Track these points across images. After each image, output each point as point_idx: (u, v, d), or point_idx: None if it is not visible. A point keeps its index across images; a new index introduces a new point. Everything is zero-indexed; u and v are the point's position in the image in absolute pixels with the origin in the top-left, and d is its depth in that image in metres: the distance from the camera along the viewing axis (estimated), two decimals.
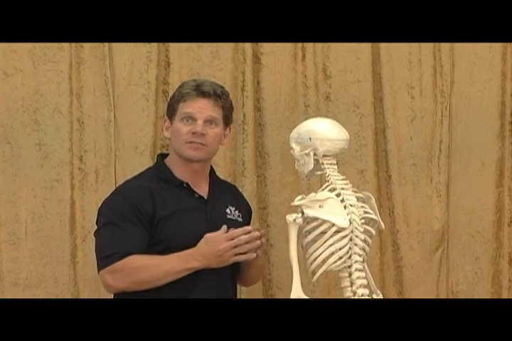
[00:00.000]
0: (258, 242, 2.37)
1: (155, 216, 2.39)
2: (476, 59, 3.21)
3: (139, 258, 2.34)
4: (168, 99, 2.59)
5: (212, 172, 2.59)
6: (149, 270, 2.34)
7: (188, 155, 2.45)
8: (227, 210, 2.53)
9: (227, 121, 2.53)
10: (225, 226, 2.38)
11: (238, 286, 2.67)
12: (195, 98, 2.46)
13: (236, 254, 2.35)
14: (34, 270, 2.91)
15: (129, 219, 2.37)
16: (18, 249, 2.90)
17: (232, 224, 2.46)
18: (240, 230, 2.36)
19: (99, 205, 2.50)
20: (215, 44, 3.01)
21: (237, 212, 2.55)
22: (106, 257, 2.35)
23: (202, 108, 2.45)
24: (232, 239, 2.34)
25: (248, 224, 2.58)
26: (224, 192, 2.58)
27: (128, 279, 2.34)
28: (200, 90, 2.46)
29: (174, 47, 3.00)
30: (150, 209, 2.39)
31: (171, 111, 2.50)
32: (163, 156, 2.56)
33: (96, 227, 2.47)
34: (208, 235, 2.37)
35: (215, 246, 2.34)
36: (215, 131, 2.48)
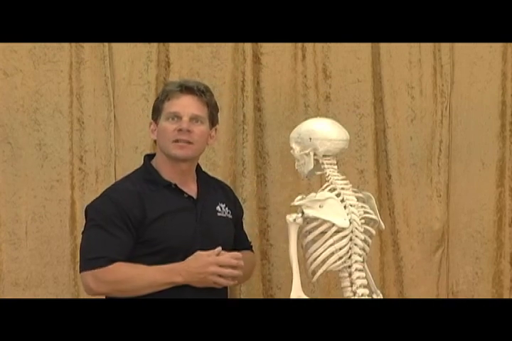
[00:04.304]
0: (239, 272, 2.38)
1: (144, 219, 2.38)
2: (476, 59, 3.21)
3: (124, 267, 2.34)
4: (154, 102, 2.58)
5: (198, 170, 2.57)
6: (133, 280, 2.34)
7: (175, 154, 2.44)
8: (218, 207, 2.53)
9: (213, 120, 2.52)
10: (219, 248, 2.37)
11: (238, 286, 2.66)
12: (179, 95, 2.46)
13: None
14: (34, 270, 2.91)
15: (116, 223, 2.36)
16: (18, 248, 2.90)
17: (222, 221, 2.49)
18: (230, 255, 2.38)
19: (87, 205, 2.48)
20: (215, 44, 3.01)
21: (227, 208, 2.55)
22: (90, 259, 2.35)
23: (186, 105, 2.45)
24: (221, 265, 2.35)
25: (237, 220, 2.60)
26: (214, 189, 2.57)
27: (110, 286, 2.35)
28: (183, 86, 2.46)
29: (174, 47, 3.00)
30: (138, 213, 2.37)
31: (156, 112, 2.50)
32: (149, 157, 2.55)
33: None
34: (199, 253, 2.37)
35: (203, 267, 2.34)
36: (201, 129, 2.47)
